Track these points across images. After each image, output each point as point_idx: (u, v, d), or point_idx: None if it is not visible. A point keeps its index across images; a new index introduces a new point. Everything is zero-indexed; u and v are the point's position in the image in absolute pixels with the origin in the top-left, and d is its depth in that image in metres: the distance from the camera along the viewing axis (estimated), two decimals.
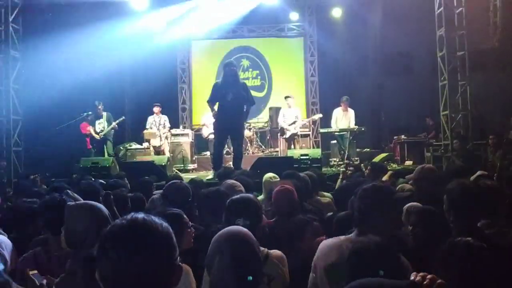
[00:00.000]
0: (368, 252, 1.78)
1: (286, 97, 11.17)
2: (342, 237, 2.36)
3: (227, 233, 1.90)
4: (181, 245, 2.42)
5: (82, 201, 2.58)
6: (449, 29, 9.63)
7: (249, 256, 1.81)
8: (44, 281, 2.13)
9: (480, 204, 2.59)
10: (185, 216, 2.64)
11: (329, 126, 10.89)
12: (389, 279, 1.43)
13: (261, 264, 1.88)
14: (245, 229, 1.93)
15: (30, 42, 10.68)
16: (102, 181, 5.70)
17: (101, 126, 10.62)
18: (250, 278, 1.72)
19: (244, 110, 7.66)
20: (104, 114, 10.73)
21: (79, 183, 5.66)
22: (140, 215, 1.33)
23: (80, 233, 2.13)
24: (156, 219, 1.33)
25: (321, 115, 11.97)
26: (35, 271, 2.31)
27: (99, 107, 10.71)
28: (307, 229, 2.96)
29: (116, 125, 10.69)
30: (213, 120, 7.98)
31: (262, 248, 2.39)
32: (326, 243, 2.38)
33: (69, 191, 3.17)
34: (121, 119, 10.81)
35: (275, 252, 2.40)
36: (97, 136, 10.62)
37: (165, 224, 1.34)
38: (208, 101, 7.73)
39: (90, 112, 10.93)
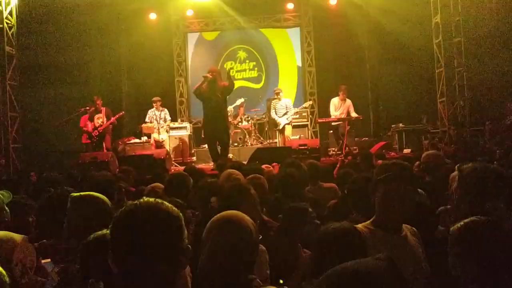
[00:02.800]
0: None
1: (275, 92, 11.18)
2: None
3: (216, 217, 1.87)
4: None
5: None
6: (444, 15, 9.62)
7: (240, 243, 1.76)
8: (56, 269, 2.16)
9: (491, 188, 2.60)
10: (188, 211, 2.64)
11: (327, 116, 10.91)
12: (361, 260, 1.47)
13: (249, 251, 1.80)
14: (240, 213, 1.88)
15: (26, 38, 10.64)
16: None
17: (100, 121, 10.52)
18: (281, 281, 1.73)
19: (226, 111, 9.07)
20: (103, 109, 10.65)
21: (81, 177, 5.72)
22: (152, 199, 1.40)
23: (81, 224, 2.15)
24: (166, 203, 1.40)
25: (311, 102, 11.98)
26: (48, 260, 2.34)
27: (98, 102, 10.61)
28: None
29: (115, 120, 10.62)
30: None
31: None
32: None
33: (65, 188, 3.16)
34: (121, 113, 10.75)
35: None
36: (94, 132, 10.52)
37: (174, 208, 1.40)
38: (194, 92, 8.96)
39: (87, 107, 10.90)
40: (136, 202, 1.37)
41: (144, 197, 1.42)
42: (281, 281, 1.81)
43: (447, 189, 3.12)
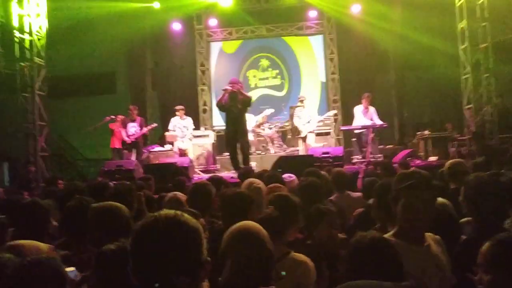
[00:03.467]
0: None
1: (299, 99, 11.20)
2: None
3: (234, 229, 1.88)
4: None
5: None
6: (471, 21, 9.45)
7: (256, 253, 1.78)
8: (79, 277, 2.19)
9: (497, 198, 2.53)
10: (201, 219, 2.64)
11: (351, 124, 10.81)
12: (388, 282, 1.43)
13: (270, 262, 1.83)
14: (255, 224, 1.89)
15: (54, 50, 10.91)
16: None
17: (134, 130, 10.80)
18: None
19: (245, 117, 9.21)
20: (138, 118, 10.91)
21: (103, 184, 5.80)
22: (171, 211, 1.41)
23: (100, 234, 2.18)
24: (186, 215, 1.40)
25: (335, 111, 11.90)
26: (73, 268, 2.37)
27: (134, 111, 10.89)
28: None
29: (147, 131, 10.86)
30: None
31: (289, 250, 2.41)
32: None
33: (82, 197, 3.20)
34: (153, 125, 11.06)
35: (298, 255, 2.38)
36: (127, 139, 10.79)
37: (194, 220, 1.41)
38: (216, 104, 9.23)
39: (113, 116, 11.11)
40: (156, 214, 1.38)
41: (164, 209, 1.43)
42: (283, 273, 1.79)
43: None
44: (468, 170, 3.83)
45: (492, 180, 2.63)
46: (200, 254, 1.38)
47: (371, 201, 3.46)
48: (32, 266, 1.69)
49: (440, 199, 2.98)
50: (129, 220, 2.22)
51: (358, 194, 4.76)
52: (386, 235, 2.20)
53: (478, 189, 2.51)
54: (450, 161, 4.02)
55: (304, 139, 10.80)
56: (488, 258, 1.76)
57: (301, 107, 10.94)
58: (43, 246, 2.08)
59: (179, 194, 3.72)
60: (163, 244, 1.32)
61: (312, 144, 10.74)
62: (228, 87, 8.78)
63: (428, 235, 2.27)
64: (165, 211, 1.40)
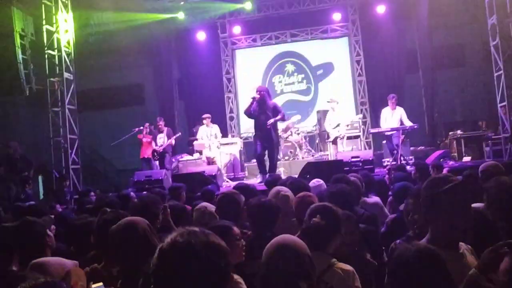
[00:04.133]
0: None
1: (329, 102, 11.00)
2: None
3: (274, 242, 1.88)
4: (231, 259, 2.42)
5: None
6: (501, 15, 9.15)
7: (294, 266, 1.76)
8: None
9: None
10: (235, 228, 2.61)
11: (379, 126, 10.61)
12: None
13: (309, 273, 1.81)
14: (294, 238, 1.88)
15: (82, 64, 11.16)
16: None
17: (161, 140, 11.03)
18: None
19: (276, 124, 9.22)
20: (165, 129, 11.13)
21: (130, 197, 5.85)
22: (201, 231, 1.36)
23: (120, 252, 2.16)
24: (214, 236, 1.36)
25: (360, 115, 11.70)
26: (100, 284, 2.36)
27: (160, 122, 11.18)
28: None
29: (173, 140, 11.10)
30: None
31: (333, 260, 2.36)
32: None
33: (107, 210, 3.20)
34: (178, 135, 11.41)
35: (343, 265, 2.34)
36: (158, 149, 11.01)
37: (222, 242, 1.36)
38: (244, 112, 9.18)
39: (141, 128, 11.26)
40: (185, 232, 1.34)
41: (194, 224, 1.38)
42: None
43: None
44: (502, 171, 3.67)
45: None
46: (226, 281, 1.35)
47: (402, 206, 3.35)
48: None
49: (476, 204, 2.86)
50: (147, 235, 2.20)
51: (375, 199, 4.65)
52: (419, 243, 2.11)
53: (501, 192, 2.40)
54: (485, 163, 3.86)
55: (333, 143, 10.67)
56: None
57: (331, 110, 10.80)
58: (68, 263, 2.07)
59: (209, 206, 3.67)
60: (193, 266, 1.28)
61: (342, 148, 10.59)
62: (256, 95, 8.80)
63: (461, 244, 2.17)
64: (192, 231, 1.35)
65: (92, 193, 8.06)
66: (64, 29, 10.29)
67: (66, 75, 10.28)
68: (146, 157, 11.43)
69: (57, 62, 10.25)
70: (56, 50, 10.26)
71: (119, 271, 2.44)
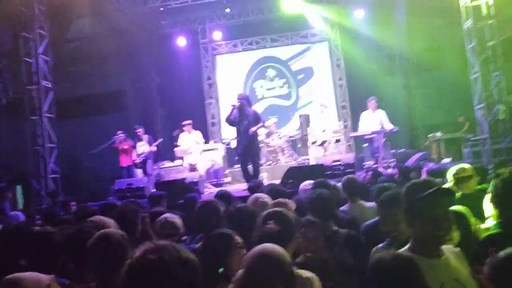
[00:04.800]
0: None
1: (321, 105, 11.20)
2: None
3: (255, 251, 1.84)
4: (230, 266, 2.40)
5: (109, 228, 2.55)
6: (477, 19, 9.33)
7: (274, 275, 1.72)
8: None
9: None
10: (236, 237, 2.56)
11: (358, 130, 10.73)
12: None
13: (289, 282, 1.78)
14: (276, 247, 1.84)
15: (60, 71, 11.00)
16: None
17: (142, 149, 10.90)
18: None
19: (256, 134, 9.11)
20: (145, 136, 11.00)
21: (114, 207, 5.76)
22: (168, 244, 1.31)
23: (97, 266, 2.11)
24: (182, 249, 1.32)
25: (341, 123, 11.62)
26: None
27: (139, 130, 11.01)
28: None
29: (155, 147, 10.94)
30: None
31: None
32: None
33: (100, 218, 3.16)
34: (160, 140, 11.19)
35: (302, 272, 2.30)
36: (137, 160, 10.90)
37: (191, 255, 1.32)
38: (226, 120, 9.09)
39: (122, 132, 11.14)
40: (151, 248, 1.29)
41: (162, 242, 1.33)
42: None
43: None
44: (473, 175, 3.74)
45: None
46: None
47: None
48: None
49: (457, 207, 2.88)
50: (123, 247, 2.16)
51: (372, 203, 4.64)
52: (401, 251, 2.10)
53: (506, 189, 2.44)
54: (455, 167, 3.92)
55: (321, 145, 10.83)
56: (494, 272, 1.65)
57: (319, 114, 10.94)
58: (44, 278, 2.01)
59: (170, 216, 3.60)
60: (163, 283, 1.24)
61: (325, 152, 10.67)
62: (236, 102, 8.81)
63: (446, 247, 2.16)
64: (165, 245, 1.31)
65: (73, 203, 7.93)
66: (41, 37, 10.14)
67: (43, 83, 10.11)
68: (126, 165, 11.32)
69: (34, 70, 10.07)
70: (33, 58, 10.08)
71: (97, 286, 2.40)
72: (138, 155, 10.92)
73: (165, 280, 1.24)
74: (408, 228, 2.17)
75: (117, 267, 1.87)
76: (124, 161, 11.29)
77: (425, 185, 2.11)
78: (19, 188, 11.30)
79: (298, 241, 2.58)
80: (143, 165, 10.99)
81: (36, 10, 9.98)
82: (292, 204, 3.25)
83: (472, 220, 2.87)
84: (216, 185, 10.54)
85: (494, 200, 2.56)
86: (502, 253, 1.67)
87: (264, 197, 3.43)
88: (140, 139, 11.04)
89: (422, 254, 2.07)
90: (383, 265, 1.69)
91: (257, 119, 8.89)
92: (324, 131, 10.71)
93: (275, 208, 2.70)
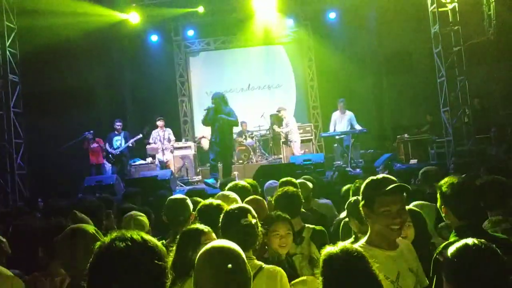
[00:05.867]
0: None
1: (277, 111, 11.38)
2: None
3: (211, 247, 1.81)
4: None
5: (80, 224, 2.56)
6: (443, 25, 9.63)
7: (233, 270, 1.69)
8: None
9: (475, 200, 2.57)
10: (207, 233, 2.58)
11: (329, 130, 10.93)
12: None
13: (247, 279, 1.78)
14: (230, 243, 1.83)
15: (28, 65, 10.76)
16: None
17: (118, 143, 10.78)
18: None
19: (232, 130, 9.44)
20: (123, 132, 10.98)
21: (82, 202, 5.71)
22: (129, 233, 1.35)
23: (68, 259, 2.14)
24: (148, 237, 1.37)
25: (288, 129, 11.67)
26: None
27: (118, 123, 10.95)
28: None
29: (134, 143, 10.83)
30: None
31: (258, 262, 2.39)
32: None
33: (76, 212, 3.16)
34: (139, 137, 10.98)
35: (271, 267, 2.36)
36: (113, 152, 10.76)
37: (157, 243, 1.37)
38: (202, 122, 9.22)
39: (91, 131, 11.01)
40: (118, 237, 1.33)
41: (128, 231, 1.38)
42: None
43: None
44: (439, 175, 3.92)
45: (468, 183, 2.67)
46: (165, 278, 1.35)
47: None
48: None
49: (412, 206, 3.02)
50: (93, 240, 2.18)
51: (325, 200, 4.84)
52: (358, 244, 2.20)
53: (456, 191, 2.54)
54: (426, 167, 4.12)
55: (289, 146, 10.99)
56: (449, 266, 1.74)
57: (282, 116, 11.11)
58: (5, 272, 2.02)
59: (138, 214, 3.61)
60: (130, 270, 1.28)
61: (297, 151, 10.81)
62: (210, 105, 8.88)
63: (399, 240, 2.29)
64: (131, 233, 1.35)
65: (39, 200, 7.81)
66: (8, 29, 9.90)
67: (11, 76, 9.88)
68: (96, 163, 11.20)
69: (1, 63, 9.83)
70: (1, 51, 9.84)
71: (62, 280, 2.41)
72: (114, 149, 10.79)
73: (132, 267, 1.28)
74: (366, 221, 2.28)
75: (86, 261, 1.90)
76: (95, 159, 11.19)
77: (383, 181, 2.22)
78: None
79: (269, 236, 2.64)
80: (117, 160, 10.83)
81: (4, 2, 9.75)
82: (263, 202, 3.33)
83: None
84: (188, 184, 10.54)
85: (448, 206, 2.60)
86: (451, 250, 1.74)
87: (233, 194, 3.49)
88: (118, 133, 10.90)
89: (379, 247, 2.20)
90: (332, 258, 1.77)
91: (233, 117, 8.92)
92: (290, 131, 10.97)
93: (241, 205, 2.76)
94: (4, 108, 9.76)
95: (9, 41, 9.88)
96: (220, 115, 8.72)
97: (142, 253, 1.31)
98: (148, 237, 1.36)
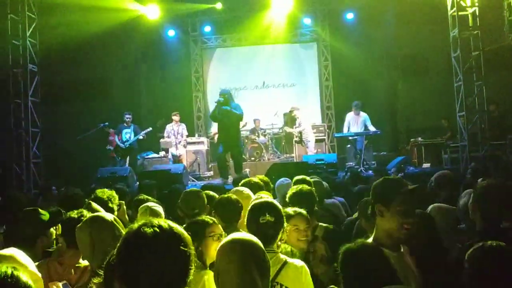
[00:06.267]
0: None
1: (290, 110, 11.40)
2: None
3: (232, 240, 1.85)
4: (203, 253, 2.45)
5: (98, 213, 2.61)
6: (462, 29, 9.53)
7: (254, 262, 1.74)
8: None
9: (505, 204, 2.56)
10: (214, 226, 2.61)
11: (342, 131, 10.90)
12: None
13: (267, 271, 1.82)
14: (250, 236, 1.88)
15: (47, 56, 10.88)
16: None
17: (128, 136, 10.79)
18: None
19: (239, 125, 9.55)
20: (132, 125, 10.93)
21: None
22: (153, 226, 1.38)
23: (85, 247, 2.19)
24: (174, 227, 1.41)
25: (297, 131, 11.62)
26: (65, 281, 2.34)
27: (128, 116, 10.91)
28: None
29: (145, 135, 10.82)
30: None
31: (282, 256, 2.41)
32: None
33: (91, 203, 3.21)
34: (148, 130, 10.94)
35: (295, 261, 2.38)
36: (121, 145, 10.78)
37: (179, 233, 1.40)
38: (210, 117, 9.48)
39: (107, 123, 11.11)
40: (145, 224, 1.38)
41: (155, 219, 1.42)
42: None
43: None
44: (454, 180, 3.92)
45: (503, 185, 2.67)
46: (191, 264, 1.40)
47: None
48: None
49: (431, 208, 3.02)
50: (113, 230, 2.24)
51: (333, 200, 4.86)
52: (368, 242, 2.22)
53: (489, 191, 2.55)
54: (438, 172, 4.12)
55: (303, 145, 11.01)
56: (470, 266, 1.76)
57: (295, 116, 11.13)
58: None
59: (153, 206, 3.65)
60: (159, 256, 1.33)
61: (311, 151, 10.83)
62: (220, 99, 8.92)
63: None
64: (158, 221, 1.39)
65: (54, 188, 7.90)
66: (29, 19, 10.03)
67: (30, 66, 10.01)
68: (112, 155, 11.31)
69: (21, 53, 9.97)
70: (20, 40, 9.97)
71: (77, 268, 2.45)
72: (123, 142, 10.81)
73: (159, 253, 1.32)
74: (373, 220, 2.28)
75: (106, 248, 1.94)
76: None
77: (402, 181, 2.24)
78: None
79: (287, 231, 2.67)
80: (125, 154, 10.88)
81: None
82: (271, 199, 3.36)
83: None
84: (199, 179, 10.60)
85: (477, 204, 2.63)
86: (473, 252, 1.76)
87: (248, 190, 3.52)
88: (128, 126, 10.94)
89: (385, 247, 2.21)
90: (352, 253, 1.79)
91: (239, 114, 9.03)
92: (304, 131, 10.96)
93: (265, 200, 2.79)
94: (22, 97, 9.90)
95: (29, 31, 10.00)
96: (226, 107, 8.85)
97: (169, 239, 1.35)
98: (174, 224, 1.40)
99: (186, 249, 1.38)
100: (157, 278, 1.32)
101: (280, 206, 2.63)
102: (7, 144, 9.99)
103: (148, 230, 1.34)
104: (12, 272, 1.31)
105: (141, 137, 10.79)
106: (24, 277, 1.33)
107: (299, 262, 2.38)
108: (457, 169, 8.93)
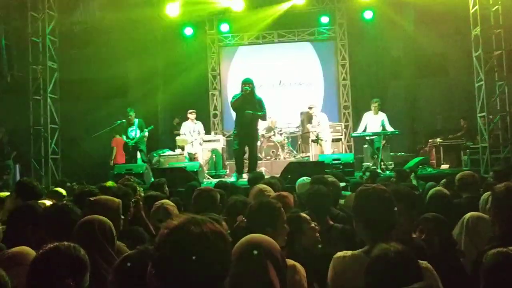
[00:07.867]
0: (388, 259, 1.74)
1: (308, 107, 11.25)
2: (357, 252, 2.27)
3: (244, 239, 1.85)
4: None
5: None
6: (485, 28, 9.34)
7: (271, 262, 1.72)
8: None
9: None
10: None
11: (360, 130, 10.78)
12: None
13: (282, 270, 1.80)
14: (266, 237, 1.86)
15: (67, 53, 11.00)
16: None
17: (133, 133, 10.78)
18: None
19: (258, 122, 9.04)
20: (136, 120, 10.86)
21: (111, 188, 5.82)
22: (197, 223, 1.36)
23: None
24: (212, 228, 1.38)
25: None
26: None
27: (131, 113, 10.88)
28: None
29: (147, 133, 10.81)
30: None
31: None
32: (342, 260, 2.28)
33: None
34: (150, 127, 10.91)
35: (288, 261, 2.35)
36: (128, 141, 10.79)
37: (220, 231, 1.39)
38: (232, 104, 8.84)
39: (123, 120, 11.16)
40: (189, 220, 1.36)
41: (194, 215, 1.41)
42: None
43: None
44: (477, 181, 3.82)
45: None
46: (230, 262, 1.43)
47: None
48: (50, 254, 1.75)
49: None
50: (111, 230, 2.30)
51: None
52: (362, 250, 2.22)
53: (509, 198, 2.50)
54: (461, 173, 4.02)
55: (320, 144, 10.91)
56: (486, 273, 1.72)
57: (312, 114, 11.02)
58: (32, 253, 2.08)
59: (167, 203, 3.64)
60: (205, 253, 1.31)
61: (327, 150, 10.74)
62: (247, 88, 8.39)
63: None
64: (200, 217, 1.38)
65: (68, 184, 7.96)
66: (49, 17, 10.15)
67: (49, 63, 10.14)
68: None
69: (41, 50, 10.09)
70: (40, 38, 10.10)
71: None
72: (131, 139, 10.78)
73: (205, 250, 1.31)
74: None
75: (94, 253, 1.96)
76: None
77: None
78: (17, 168, 11.37)
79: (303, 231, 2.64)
80: (134, 151, 10.87)
81: None
82: (291, 197, 3.30)
83: None
84: (215, 177, 10.59)
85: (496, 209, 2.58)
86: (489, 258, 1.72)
87: (269, 189, 3.47)
88: (131, 124, 10.84)
89: None
90: (387, 258, 1.76)
91: (260, 108, 8.62)
92: (322, 130, 10.85)
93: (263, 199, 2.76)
94: (41, 94, 10.03)
95: (49, 28, 10.12)
96: (249, 112, 8.35)
97: (215, 238, 1.34)
98: (216, 224, 1.39)
99: (228, 249, 1.40)
100: (200, 276, 1.31)
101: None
102: (26, 140, 10.14)
103: (195, 229, 1.33)
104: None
105: (146, 134, 10.75)
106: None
107: (289, 261, 2.32)
108: (477, 171, 8.75)
